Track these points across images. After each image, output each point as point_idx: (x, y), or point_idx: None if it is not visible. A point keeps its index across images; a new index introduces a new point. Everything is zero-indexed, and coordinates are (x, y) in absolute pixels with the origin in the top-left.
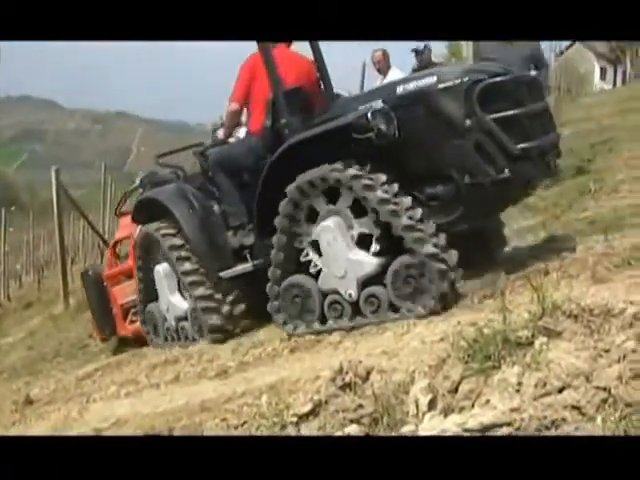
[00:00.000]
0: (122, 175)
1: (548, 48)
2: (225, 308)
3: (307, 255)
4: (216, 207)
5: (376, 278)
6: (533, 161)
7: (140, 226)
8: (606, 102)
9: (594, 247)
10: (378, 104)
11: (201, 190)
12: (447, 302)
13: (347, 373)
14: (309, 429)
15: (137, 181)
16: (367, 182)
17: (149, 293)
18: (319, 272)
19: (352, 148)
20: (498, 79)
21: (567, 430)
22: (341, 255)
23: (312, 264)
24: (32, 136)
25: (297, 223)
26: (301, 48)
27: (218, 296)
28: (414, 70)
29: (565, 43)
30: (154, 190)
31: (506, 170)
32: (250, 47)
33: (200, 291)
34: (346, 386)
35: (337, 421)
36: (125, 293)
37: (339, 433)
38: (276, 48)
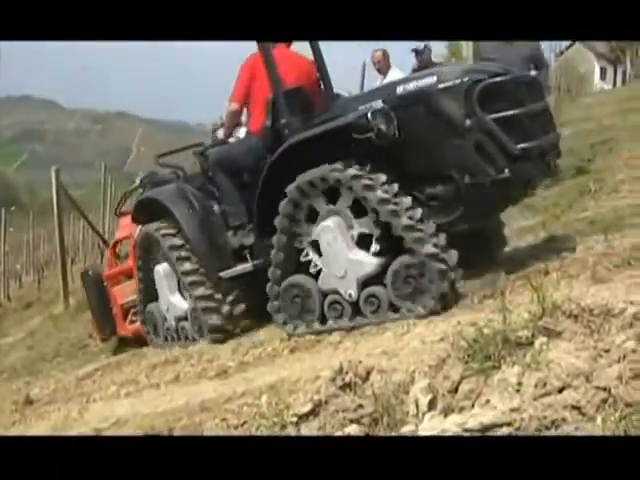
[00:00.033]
0: (122, 175)
1: (548, 48)
2: (225, 308)
3: (307, 255)
4: (216, 207)
5: (376, 278)
6: (533, 161)
7: (140, 226)
8: (606, 102)
9: (594, 247)
10: (378, 104)
11: (201, 190)
12: (447, 302)
13: (347, 373)
14: (309, 429)
15: (137, 181)
16: (367, 182)
17: (149, 293)
18: (319, 272)
19: (352, 148)
20: (498, 79)
21: (567, 430)
22: (341, 255)
23: (312, 264)
24: (32, 136)
25: (297, 223)
26: (301, 48)
27: (218, 296)
28: (414, 70)
29: (565, 43)
30: (154, 190)
31: (506, 170)
32: (250, 47)
33: (200, 291)
34: (346, 386)
35: (337, 421)
36: (125, 293)
37: (339, 433)
38: (276, 48)
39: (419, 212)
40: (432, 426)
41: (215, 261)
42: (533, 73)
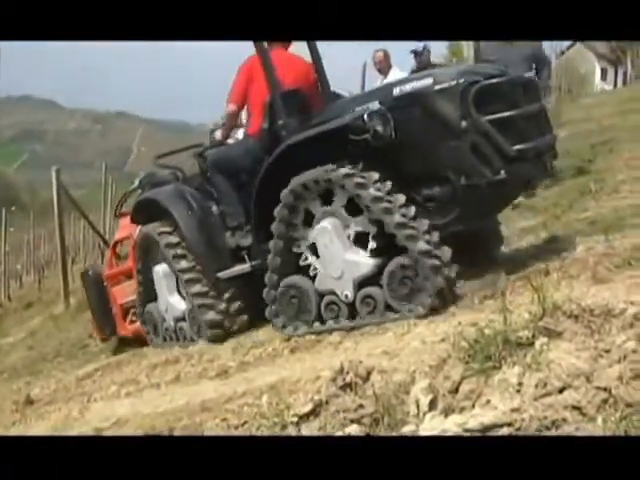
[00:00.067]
0: (123, 175)
1: (549, 48)
2: (222, 305)
3: (306, 259)
4: (214, 208)
5: (372, 279)
6: (529, 162)
7: (139, 227)
8: (607, 103)
9: (595, 247)
10: (375, 105)
11: (200, 191)
12: (445, 298)
13: (348, 373)
14: (310, 429)
15: (136, 182)
16: (359, 180)
17: (148, 294)
18: (316, 273)
19: (349, 149)
20: (494, 81)
21: (568, 430)
22: (337, 256)
23: (312, 268)
24: (32, 136)
25: (293, 227)
26: (300, 49)
27: (214, 294)
28: (413, 71)
29: (566, 43)
30: (153, 191)
31: (502, 171)
32: (250, 47)
33: (197, 288)
34: (347, 386)
35: (338, 421)
36: (125, 293)
37: (340, 433)
38: (274, 50)
39: (412, 210)
40: (433, 426)
41: (213, 261)
42: (530, 74)
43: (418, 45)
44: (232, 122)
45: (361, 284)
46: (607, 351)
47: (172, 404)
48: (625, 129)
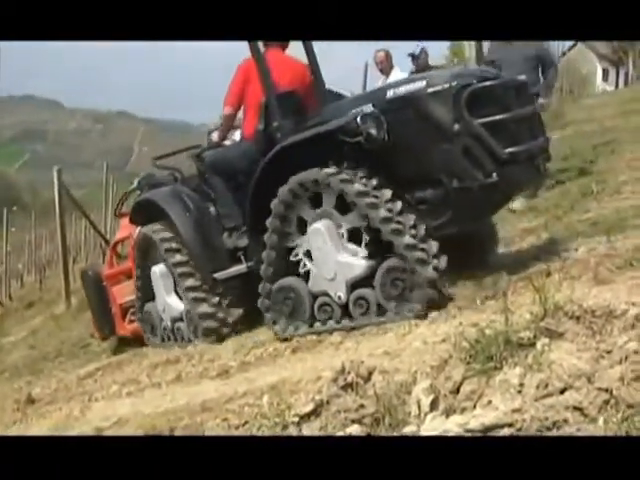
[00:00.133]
0: (124, 175)
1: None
2: (215, 299)
3: (305, 266)
4: (212, 209)
5: (365, 280)
6: (521, 165)
7: (139, 227)
8: (608, 103)
9: (596, 248)
10: (368, 108)
11: (197, 192)
12: (438, 288)
13: (349, 373)
14: (311, 429)
15: (135, 183)
16: (344, 177)
17: (147, 294)
18: (309, 273)
19: (342, 152)
20: (486, 83)
21: (569, 431)
22: (330, 257)
23: (302, 264)
24: (34, 136)
25: (287, 237)
26: (298, 51)
27: (207, 287)
28: (412, 73)
29: (567, 44)
30: (151, 192)
31: (494, 174)
32: None
33: (190, 282)
34: (348, 386)
35: (339, 421)
36: (124, 293)
37: (341, 433)
38: (270, 52)
39: (399, 204)
40: (434, 426)
41: (210, 262)
42: (522, 77)
43: (415, 48)
44: (229, 123)
45: (354, 285)
46: (608, 352)
47: (173, 404)
48: (627, 130)
